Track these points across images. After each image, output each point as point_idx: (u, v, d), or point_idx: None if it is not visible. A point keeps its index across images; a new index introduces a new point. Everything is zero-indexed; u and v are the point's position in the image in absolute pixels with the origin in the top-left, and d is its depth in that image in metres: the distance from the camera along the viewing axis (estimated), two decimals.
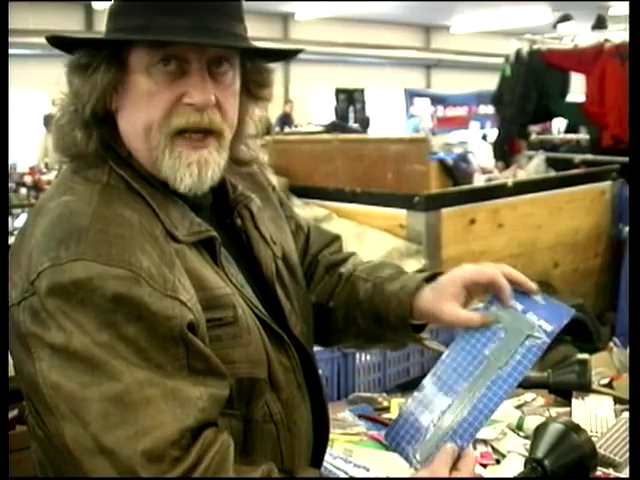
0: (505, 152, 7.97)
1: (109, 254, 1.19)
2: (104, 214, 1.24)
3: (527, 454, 1.85)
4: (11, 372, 3.16)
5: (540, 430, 1.85)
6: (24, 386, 1.27)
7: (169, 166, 1.31)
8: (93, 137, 1.33)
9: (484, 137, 11.41)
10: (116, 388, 1.15)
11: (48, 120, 11.26)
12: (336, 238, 1.85)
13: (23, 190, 9.20)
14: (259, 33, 16.12)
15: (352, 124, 16.55)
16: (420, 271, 1.71)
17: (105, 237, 1.21)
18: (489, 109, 11.12)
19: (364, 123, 16.97)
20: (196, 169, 1.31)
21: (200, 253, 1.34)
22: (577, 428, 1.83)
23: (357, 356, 2.75)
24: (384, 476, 2.03)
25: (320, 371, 1.73)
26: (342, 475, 2.03)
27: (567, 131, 8.81)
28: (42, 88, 14.72)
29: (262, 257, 1.51)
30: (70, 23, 15.04)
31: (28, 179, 9.30)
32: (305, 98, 18.81)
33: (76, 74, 1.35)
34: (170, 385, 1.18)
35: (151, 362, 1.18)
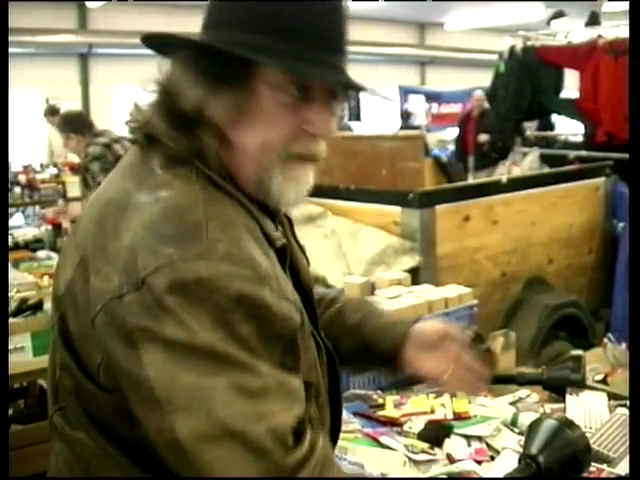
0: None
1: (230, 253, 1.20)
2: (215, 212, 1.25)
3: (521, 450, 1.85)
4: (11, 371, 3.13)
5: (534, 426, 1.85)
6: (110, 382, 1.25)
7: (277, 183, 1.34)
8: (196, 138, 1.32)
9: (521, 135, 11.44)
10: (237, 378, 1.16)
11: (51, 111, 11.26)
12: None
13: (17, 189, 9.20)
14: None
15: (346, 121, 16.53)
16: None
17: (223, 236, 1.22)
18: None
19: (358, 120, 16.97)
20: (299, 187, 1.37)
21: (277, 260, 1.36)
22: (571, 424, 1.83)
23: None
24: (380, 473, 2.03)
25: None
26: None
27: (540, 128, 8.80)
28: (36, 87, 14.70)
29: (301, 265, 1.54)
30: (64, 22, 15.01)
31: (22, 178, 9.30)
32: None
33: (201, 80, 1.30)
34: (281, 377, 1.22)
35: (260, 357, 1.20)
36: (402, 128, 10.24)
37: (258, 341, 1.20)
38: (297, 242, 1.59)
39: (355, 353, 1.74)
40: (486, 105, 10.22)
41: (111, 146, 5.64)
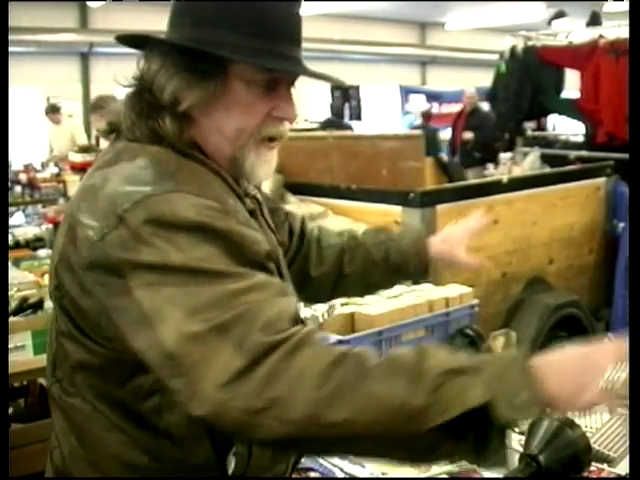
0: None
1: (201, 190, 1.35)
2: (186, 164, 1.41)
3: (522, 450, 1.85)
4: (11, 370, 3.13)
5: (534, 426, 1.85)
6: (107, 327, 1.33)
7: (250, 163, 1.49)
8: (176, 126, 1.44)
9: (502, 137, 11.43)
10: (219, 284, 1.25)
11: (53, 109, 11.26)
12: (303, 221, 2.09)
13: (18, 188, 9.19)
14: None
15: (347, 121, 16.54)
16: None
17: (194, 179, 1.38)
18: (484, 106, 11.10)
19: (359, 119, 16.97)
20: (269, 167, 1.54)
21: None
22: (571, 423, 1.83)
23: None
24: (381, 472, 2.03)
25: None
26: (337, 472, 2.04)
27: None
28: (37, 86, 14.71)
29: (272, 241, 1.62)
30: (65, 21, 15.02)
31: (23, 177, 9.29)
32: (300, 95, 18.70)
33: (178, 74, 1.42)
34: (263, 278, 1.31)
35: (236, 269, 1.29)
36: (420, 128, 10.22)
37: (234, 261, 1.29)
38: (268, 223, 1.68)
39: (387, 278, 2.08)
40: (479, 103, 10.26)
41: None
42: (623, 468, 1.97)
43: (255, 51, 1.41)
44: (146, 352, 1.25)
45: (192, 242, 1.27)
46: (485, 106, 9.76)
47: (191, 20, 1.45)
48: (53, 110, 11.20)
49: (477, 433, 1.17)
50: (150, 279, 1.25)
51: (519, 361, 1.21)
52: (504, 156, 7.59)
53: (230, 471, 1.45)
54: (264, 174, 1.54)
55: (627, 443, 2.08)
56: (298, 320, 1.30)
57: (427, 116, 12.50)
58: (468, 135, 9.67)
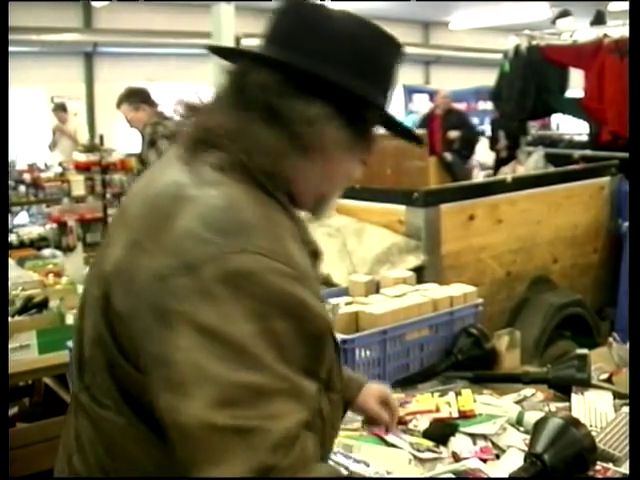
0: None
1: (276, 252, 1.28)
2: (261, 212, 1.33)
3: (527, 449, 1.85)
4: (16, 369, 3.15)
5: (540, 425, 1.85)
6: (143, 360, 1.29)
7: (332, 204, 1.55)
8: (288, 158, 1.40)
9: (483, 133, 11.40)
10: (258, 379, 1.21)
11: (63, 107, 11.28)
12: None
13: (22, 188, 9.22)
14: (258, 30, 16.07)
15: None
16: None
17: (271, 235, 1.31)
18: (488, 105, 11.09)
19: None
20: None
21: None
22: (577, 422, 1.84)
23: (357, 352, 2.75)
24: (386, 471, 2.04)
25: None
26: (342, 470, 2.04)
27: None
28: (41, 86, 14.73)
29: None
30: (69, 21, 15.03)
31: (27, 176, 9.32)
32: None
33: (331, 115, 1.40)
34: (297, 381, 1.27)
35: (287, 358, 1.25)
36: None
37: (292, 339, 1.27)
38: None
39: None
40: (452, 104, 10.26)
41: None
42: (628, 467, 1.97)
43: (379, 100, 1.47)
44: (163, 412, 1.24)
45: (258, 312, 1.23)
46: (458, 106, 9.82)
47: (352, 70, 1.41)
48: (62, 108, 11.24)
49: None
50: (196, 343, 1.20)
51: None
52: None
53: None
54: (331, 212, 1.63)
55: None
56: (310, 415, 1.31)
57: None
58: (454, 134, 9.64)
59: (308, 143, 1.39)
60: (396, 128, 1.54)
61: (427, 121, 10.35)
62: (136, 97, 5.65)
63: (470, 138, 9.74)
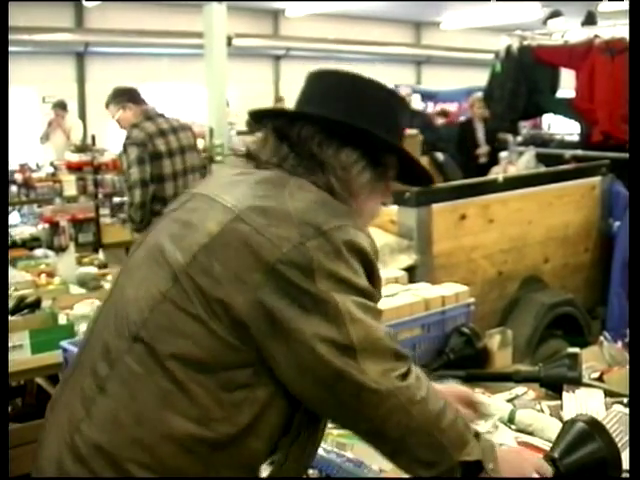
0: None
1: (365, 231, 1.62)
2: (348, 208, 1.67)
3: (518, 447, 1.86)
4: (11, 368, 3.14)
5: (565, 427, 1.84)
6: (254, 312, 1.50)
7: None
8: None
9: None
10: (378, 317, 1.60)
11: (61, 105, 11.26)
12: None
13: (13, 188, 9.19)
14: (249, 30, 16.10)
15: None
16: None
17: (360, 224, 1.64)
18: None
19: None
20: None
21: None
22: (601, 430, 1.82)
23: None
24: (379, 469, 2.04)
25: None
26: (336, 469, 2.05)
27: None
28: (32, 85, 14.69)
29: None
30: (60, 20, 14.99)
31: (19, 177, 9.29)
32: (296, 94, 18.73)
33: (367, 165, 1.70)
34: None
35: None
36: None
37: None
38: None
39: None
40: (414, 105, 10.14)
41: (153, 138, 5.19)
42: (628, 466, 1.98)
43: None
44: (321, 343, 1.49)
45: (364, 272, 1.57)
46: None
47: (374, 123, 1.69)
48: (61, 106, 11.22)
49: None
50: (340, 289, 1.51)
51: (494, 446, 1.69)
52: (500, 155, 7.61)
53: (264, 475, 1.63)
54: None
55: (624, 439, 2.09)
56: None
57: (443, 114, 12.45)
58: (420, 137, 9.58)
59: (341, 185, 1.67)
60: (411, 170, 1.82)
61: None
62: (122, 96, 5.59)
63: (433, 141, 9.58)
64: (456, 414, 1.63)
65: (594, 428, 1.81)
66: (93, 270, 4.99)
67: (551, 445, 1.88)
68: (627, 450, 2.01)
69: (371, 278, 1.60)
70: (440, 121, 10.77)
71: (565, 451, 1.77)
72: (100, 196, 8.24)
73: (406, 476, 1.63)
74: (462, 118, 11.02)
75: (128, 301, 1.60)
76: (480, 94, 8.85)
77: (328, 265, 1.51)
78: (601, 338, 3.11)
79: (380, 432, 1.57)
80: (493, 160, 7.91)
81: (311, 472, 2.06)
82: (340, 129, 1.67)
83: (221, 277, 1.50)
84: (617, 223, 5.36)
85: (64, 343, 3.11)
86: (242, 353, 1.51)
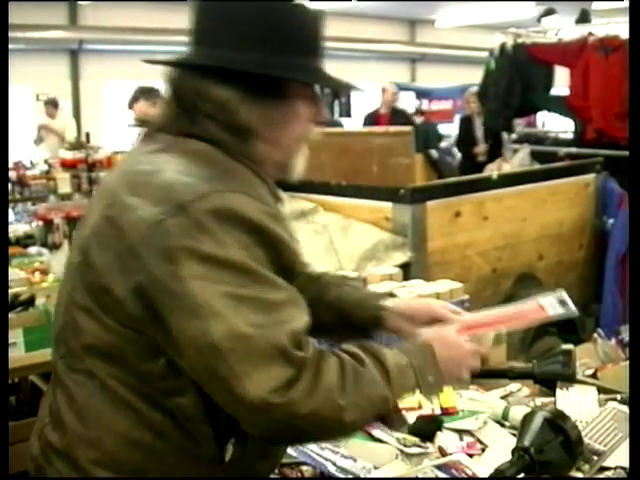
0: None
1: (254, 194, 1.47)
2: (237, 168, 1.53)
3: (513, 443, 1.86)
4: (11, 365, 3.12)
5: (527, 419, 1.87)
6: (138, 305, 1.41)
7: (297, 165, 1.68)
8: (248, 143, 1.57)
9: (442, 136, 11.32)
10: (263, 290, 1.39)
11: (53, 103, 11.24)
12: None
13: (8, 185, 9.17)
14: None
15: (337, 118, 16.53)
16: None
17: (245, 181, 1.51)
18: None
19: (348, 116, 16.98)
20: (304, 162, 1.71)
21: None
22: (562, 416, 1.85)
23: None
24: (373, 466, 2.05)
25: None
26: (330, 466, 2.05)
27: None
28: (26, 83, 14.65)
29: None
30: (54, 18, 14.96)
31: (13, 174, 9.27)
32: None
33: (250, 98, 1.54)
34: (293, 291, 1.48)
35: (274, 276, 1.44)
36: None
37: (271, 266, 1.44)
38: None
39: (334, 324, 1.90)
40: (396, 104, 10.10)
41: None
42: (613, 461, 1.99)
43: (311, 70, 1.60)
44: (189, 339, 1.36)
45: (249, 242, 1.40)
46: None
47: (259, 45, 1.54)
48: (52, 104, 11.20)
49: None
50: (204, 271, 1.36)
51: (427, 350, 1.62)
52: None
53: (227, 457, 1.54)
54: (302, 169, 1.71)
55: (617, 436, 2.09)
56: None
57: (420, 112, 12.43)
58: None
59: (229, 129, 1.54)
60: (327, 83, 1.67)
61: (372, 120, 10.13)
62: (152, 92, 5.67)
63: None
64: (380, 377, 1.50)
65: (556, 415, 1.85)
66: None
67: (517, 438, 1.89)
68: (621, 445, 2.03)
69: (269, 247, 1.44)
70: (418, 120, 10.65)
71: (534, 439, 1.80)
72: (94, 193, 8.24)
73: (400, 475, 1.64)
74: (459, 115, 10.97)
75: (57, 305, 1.65)
76: (475, 89, 8.84)
77: (188, 243, 1.36)
78: (595, 335, 3.12)
79: (269, 438, 1.48)
80: (493, 157, 7.89)
81: (305, 469, 2.06)
82: (216, 70, 1.54)
83: (103, 268, 1.45)
84: (611, 220, 5.37)
85: None
86: (142, 344, 1.44)
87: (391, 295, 2.03)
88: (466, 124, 8.96)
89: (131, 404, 1.47)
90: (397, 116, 9.67)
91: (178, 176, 1.44)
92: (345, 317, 1.90)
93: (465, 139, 8.87)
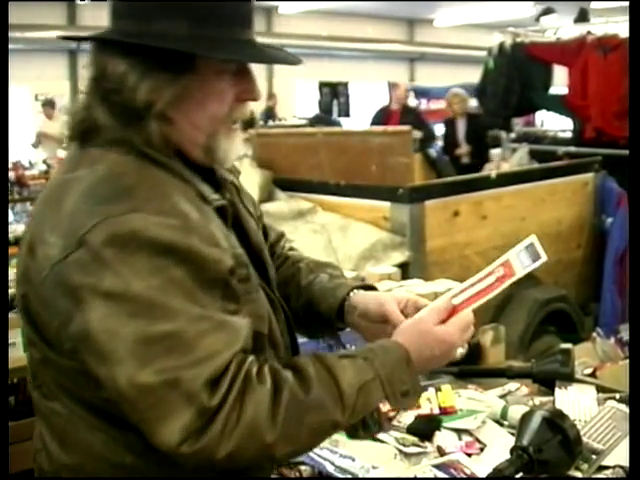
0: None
1: (161, 207, 1.32)
2: (146, 176, 1.37)
3: (512, 442, 1.86)
4: (11, 365, 3.12)
5: (525, 418, 1.87)
6: (68, 343, 1.32)
7: (223, 149, 1.50)
8: (141, 127, 1.41)
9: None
10: (175, 326, 1.26)
11: (50, 103, 11.24)
12: (283, 234, 1.99)
13: None
14: None
15: (336, 117, 16.56)
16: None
17: (154, 194, 1.34)
18: (473, 102, 11.09)
19: (347, 116, 17.00)
20: (238, 148, 1.55)
21: (218, 218, 1.48)
22: (561, 415, 1.85)
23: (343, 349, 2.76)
24: (372, 465, 2.04)
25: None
26: (328, 465, 2.05)
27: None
28: (25, 83, 14.65)
29: (250, 227, 1.65)
30: (53, 18, 14.96)
31: (11, 174, 9.26)
32: (289, 92, 18.78)
33: (148, 73, 1.39)
34: (219, 317, 1.32)
35: (197, 302, 1.30)
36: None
37: (194, 285, 1.30)
38: (246, 208, 1.68)
39: (303, 312, 1.80)
40: (408, 101, 10.01)
41: None
42: (612, 460, 1.98)
43: (218, 41, 1.41)
44: (104, 383, 1.28)
45: (153, 266, 1.27)
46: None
47: (152, 13, 1.40)
48: (50, 105, 11.21)
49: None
50: (109, 311, 1.25)
51: (401, 356, 1.47)
52: (494, 152, 7.61)
53: None
54: (235, 156, 1.55)
55: (616, 435, 2.09)
56: (247, 348, 1.36)
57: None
58: (418, 134, 9.48)
59: (157, 110, 1.40)
60: (242, 56, 1.47)
61: (383, 115, 9.81)
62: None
63: (428, 139, 9.43)
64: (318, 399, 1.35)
65: (554, 414, 1.85)
66: None
67: (515, 437, 1.89)
68: (620, 444, 2.03)
69: (186, 265, 1.29)
70: None
71: (532, 438, 1.80)
72: None
73: (399, 475, 1.63)
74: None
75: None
76: (456, 90, 8.81)
77: (89, 280, 1.25)
78: (594, 334, 3.12)
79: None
80: (480, 159, 7.86)
81: (303, 468, 2.06)
82: (116, 43, 1.42)
83: (34, 304, 1.38)
84: (609, 219, 5.37)
85: None
86: (92, 374, 1.33)
87: (370, 288, 1.85)
88: (447, 126, 8.89)
89: (104, 428, 1.40)
90: (408, 114, 9.58)
91: (81, 200, 1.32)
92: (313, 306, 1.79)
93: (448, 141, 8.83)
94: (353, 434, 1.71)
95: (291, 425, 1.31)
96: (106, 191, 1.32)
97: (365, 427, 1.51)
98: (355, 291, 1.78)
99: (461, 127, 8.55)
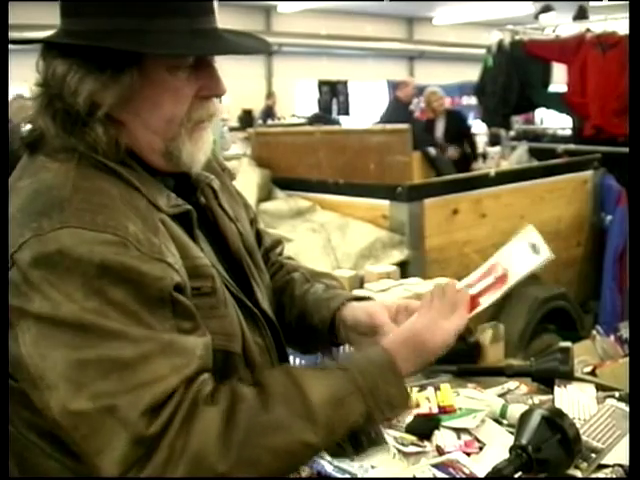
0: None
1: (94, 221, 1.21)
2: (84, 186, 1.26)
3: (511, 441, 1.86)
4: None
5: (524, 417, 1.86)
6: (10, 367, 1.25)
7: (187, 152, 1.38)
8: (87, 133, 1.32)
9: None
10: (111, 348, 1.16)
11: None
12: (280, 241, 1.91)
13: None
14: (242, 26, 16.06)
15: (335, 116, 16.56)
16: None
17: (88, 206, 1.23)
18: (472, 100, 11.08)
19: (346, 114, 17.00)
20: (207, 149, 1.43)
21: (179, 226, 1.38)
22: (560, 414, 1.85)
23: (341, 347, 2.75)
24: (370, 465, 2.04)
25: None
26: (327, 465, 2.04)
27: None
28: (23, 84, 14.59)
29: (229, 233, 1.55)
30: (50, 18, 14.92)
31: None
32: (288, 90, 18.78)
33: (89, 74, 1.29)
34: (167, 338, 1.22)
35: (142, 323, 1.20)
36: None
37: (140, 305, 1.20)
38: (225, 212, 1.58)
39: (296, 324, 1.73)
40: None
41: None
42: (612, 459, 1.97)
43: (169, 35, 1.30)
44: (41, 410, 1.21)
45: (89, 289, 1.17)
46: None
47: (95, 9, 1.31)
48: None
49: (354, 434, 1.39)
50: (40, 334, 1.16)
51: (384, 362, 1.37)
52: (492, 150, 7.61)
53: None
54: (203, 158, 1.44)
55: (615, 434, 2.09)
56: (205, 368, 1.27)
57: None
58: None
59: (102, 113, 1.30)
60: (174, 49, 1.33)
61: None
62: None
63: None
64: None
65: (554, 413, 1.84)
66: None
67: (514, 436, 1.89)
68: (620, 443, 2.02)
69: (123, 283, 1.19)
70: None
71: (531, 437, 1.79)
72: None
73: (400, 475, 1.61)
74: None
75: None
76: (433, 88, 8.78)
77: (19, 303, 1.17)
78: (593, 332, 3.12)
79: None
80: (463, 160, 7.85)
81: (302, 468, 2.05)
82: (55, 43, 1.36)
83: None
84: (609, 217, 5.36)
85: None
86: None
87: (366, 298, 1.77)
88: (427, 127, 8.76)
89: (57, 456, 1.31)
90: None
91: (15, 215, 1.24)
92: (306, 318, 1.71)
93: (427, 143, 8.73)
94: (339, 453, 1.57)
95: (248, 449, 1.20)
96: (40, 204, 1.23)
97: (357, 444, 1.44)
98: (347, 303, 1.69)
99: (440, 127, 8.47)
